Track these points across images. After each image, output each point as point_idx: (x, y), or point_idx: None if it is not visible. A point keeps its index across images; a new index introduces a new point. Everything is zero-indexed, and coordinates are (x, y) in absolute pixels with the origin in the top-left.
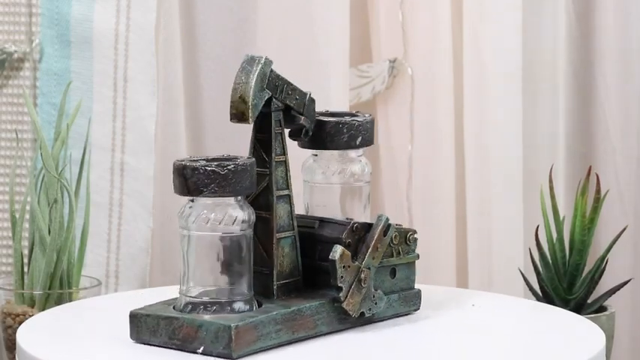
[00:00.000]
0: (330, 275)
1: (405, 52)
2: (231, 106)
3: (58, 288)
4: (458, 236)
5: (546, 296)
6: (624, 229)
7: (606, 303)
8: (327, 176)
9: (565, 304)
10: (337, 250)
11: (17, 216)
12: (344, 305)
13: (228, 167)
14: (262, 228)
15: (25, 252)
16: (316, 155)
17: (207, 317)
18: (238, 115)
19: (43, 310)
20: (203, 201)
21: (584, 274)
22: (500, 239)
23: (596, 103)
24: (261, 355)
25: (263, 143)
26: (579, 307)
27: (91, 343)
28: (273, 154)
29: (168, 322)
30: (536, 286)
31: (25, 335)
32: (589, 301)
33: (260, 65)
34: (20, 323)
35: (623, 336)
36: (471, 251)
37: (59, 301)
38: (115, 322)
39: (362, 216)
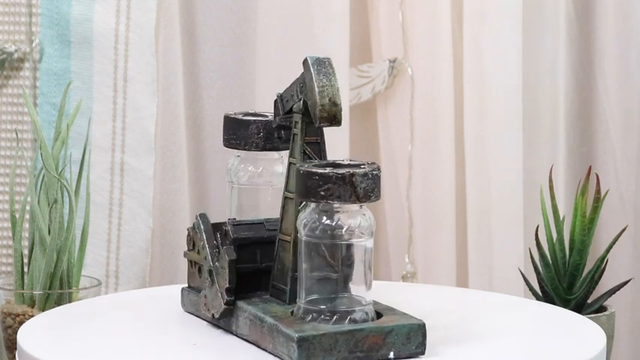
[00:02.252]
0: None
1: (405, 52)
2: (321, 110)
3: (58, 288)
4: (458, 236)
5: (546, 296)
6: (624, 229)
7: (606, 303)
8: (267, 177)
9: (565, 304)
10: None
11: (17, 216)
12: None
13: (380, 171)
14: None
15: (25, 252)
16: (239, 156)
17: (395, 320)
18: (330, 118)
19: (43, 310)
20: (323, 207)
21: (584, 274)
22: (500, 239)
23: (596, 103)
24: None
25: (313, 146)
26: (579, 307)
27: (91, 343)
28: (326, 157)
29: (350, 336)
30: (536, 286)
31: (25, 335)
32: (589, 301)
33: (333, 67)
34: (20, 323)
35: (623, 336)
36: (471, 251)
37: (59, 301)
38: (115, 322)
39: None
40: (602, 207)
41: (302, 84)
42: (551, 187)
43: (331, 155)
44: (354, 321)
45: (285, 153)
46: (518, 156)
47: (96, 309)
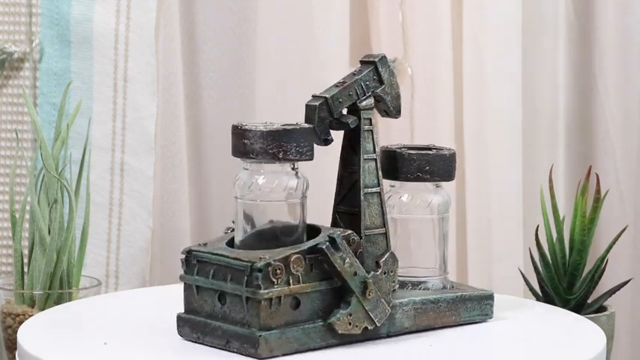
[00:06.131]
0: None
1: (405, 52)
2: (400, 103)
3: (58, 288)
4: (458, 236)
5: (546, 296)
6: (624, 229)
7: (606, 303)
8: (281, 191)
9: (565, 304)
10: None
11: (17, 216)
12: None
13: None
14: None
15: (25, 252)
16: (247, 169)
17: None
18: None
19: (43, 310)
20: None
21: (584, 274)
22: (500, 239)
23: (596, 103)
24: None
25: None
26: (579, 307)
27: (91, 343)
28: None
29: None
30: (536, 286)
31: (25, 335)
32: (589, 301)
33: None
34: (20, 323)
35: (623, 336)
36: (471, 251)
37: (59, 301)
38: (115, 322)
39: None
40: (602, 207)
41: (367, 81)
42: (551, 187)
43: (332, 154)
44: (426, 288)
45: (300, 164)
46: (518, 156)
47: (96, 309)
